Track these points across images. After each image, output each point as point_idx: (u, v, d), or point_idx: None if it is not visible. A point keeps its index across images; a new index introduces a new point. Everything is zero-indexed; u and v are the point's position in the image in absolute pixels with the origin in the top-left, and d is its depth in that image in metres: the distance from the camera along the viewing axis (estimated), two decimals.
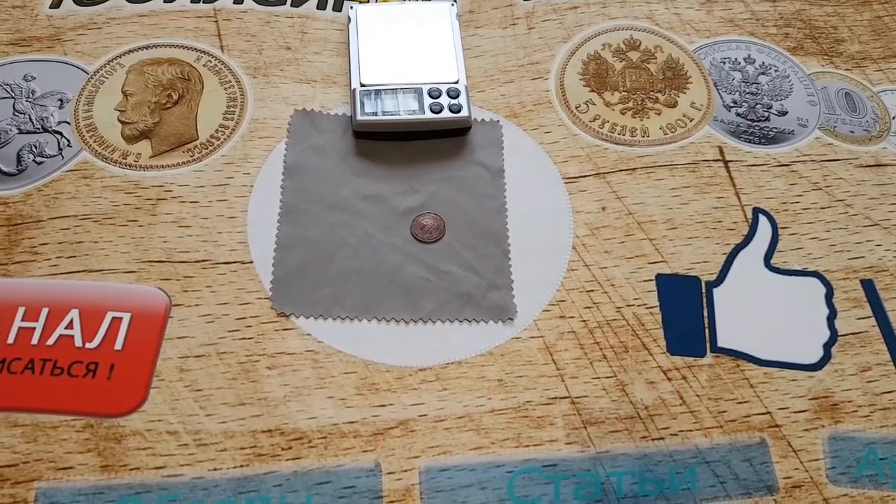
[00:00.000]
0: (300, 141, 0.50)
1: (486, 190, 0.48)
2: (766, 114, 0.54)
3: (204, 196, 0.47)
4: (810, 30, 0.59)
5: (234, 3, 0.57)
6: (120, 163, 0.48)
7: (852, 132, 0.54)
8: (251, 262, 0.45)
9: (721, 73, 0.56)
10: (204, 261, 0.45)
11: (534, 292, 0.45)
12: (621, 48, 0.57)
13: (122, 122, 0.50)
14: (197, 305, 0.43)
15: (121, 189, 0.47)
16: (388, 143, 0.49)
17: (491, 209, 0.48)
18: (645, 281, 0.46)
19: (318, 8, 0.58)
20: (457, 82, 0.50)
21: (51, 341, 0.41)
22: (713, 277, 0.46)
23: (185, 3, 0.57)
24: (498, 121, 0.52)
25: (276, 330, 0.43)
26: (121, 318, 0.42)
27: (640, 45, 0.57)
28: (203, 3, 0.57)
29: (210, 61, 0.54)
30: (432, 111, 0.49)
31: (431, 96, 0.49)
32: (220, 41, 0.55)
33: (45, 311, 0.42)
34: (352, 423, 0.40)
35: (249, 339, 0.42)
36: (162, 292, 0.43)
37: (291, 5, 0.58)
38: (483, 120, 0.51)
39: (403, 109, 0.49)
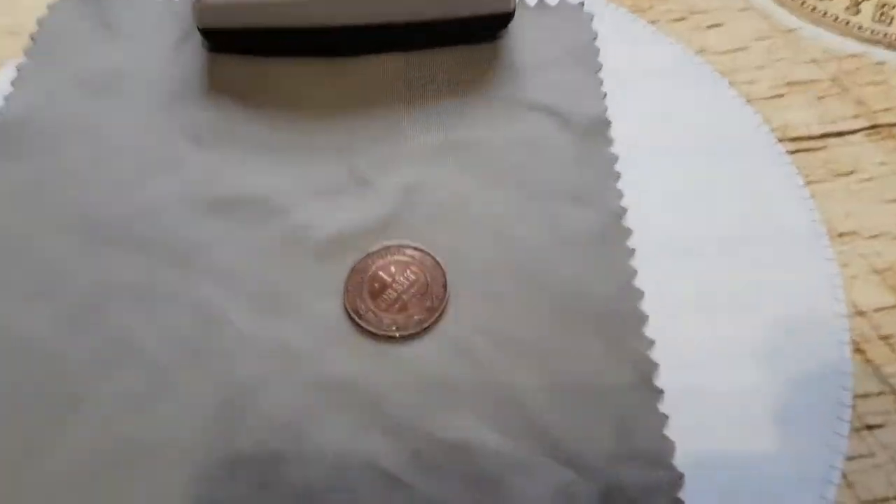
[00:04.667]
0: (55, 60, 0.20)
1: (562, 182, 0.17)
2: None
3: None
4: None
5: None
6: None
7: None
8: None
9: None
10: None
11: None
12: None
13: None
14: None
15: None
16: (289, 60, 0.20)
17: (581, 235, 0.16)
18: None
19: None
20: None
21: None
22: None
23: None
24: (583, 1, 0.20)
25: None
26: None
27: None
28: None
29: None
30: None
31: None
32: None
33: None
34: None
35: None
36: None
37: None
38: (545, 0, 0.20)
39: None
